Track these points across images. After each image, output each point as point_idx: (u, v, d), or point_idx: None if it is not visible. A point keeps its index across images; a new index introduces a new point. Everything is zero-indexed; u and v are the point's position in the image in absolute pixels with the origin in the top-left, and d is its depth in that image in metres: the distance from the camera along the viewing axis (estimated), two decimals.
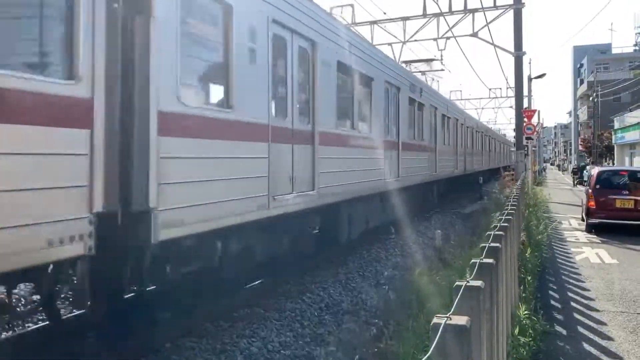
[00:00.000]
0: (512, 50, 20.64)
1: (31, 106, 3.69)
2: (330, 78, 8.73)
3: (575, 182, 36.31)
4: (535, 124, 25.96)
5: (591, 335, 5.84)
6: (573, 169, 45.79)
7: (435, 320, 1.89)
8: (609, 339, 5.74)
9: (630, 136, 39.81)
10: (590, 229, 13.82)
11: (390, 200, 11.96)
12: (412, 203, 13.52)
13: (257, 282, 7.80)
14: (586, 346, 5.52)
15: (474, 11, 20.77)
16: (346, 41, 9.41)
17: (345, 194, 9.25)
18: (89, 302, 5.11)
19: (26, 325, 5.86)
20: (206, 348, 5.57)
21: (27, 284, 6.04)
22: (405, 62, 25.74)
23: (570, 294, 7.61)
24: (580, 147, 62.99)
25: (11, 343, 5.19)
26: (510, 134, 59.03)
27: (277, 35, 7.00)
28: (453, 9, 20.86)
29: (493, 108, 52.33)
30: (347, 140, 9.43)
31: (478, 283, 2.52)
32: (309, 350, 5.79)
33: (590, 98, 52.29)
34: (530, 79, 34.68)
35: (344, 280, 8.59)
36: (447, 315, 1.94)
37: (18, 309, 6.15)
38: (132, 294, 5.89)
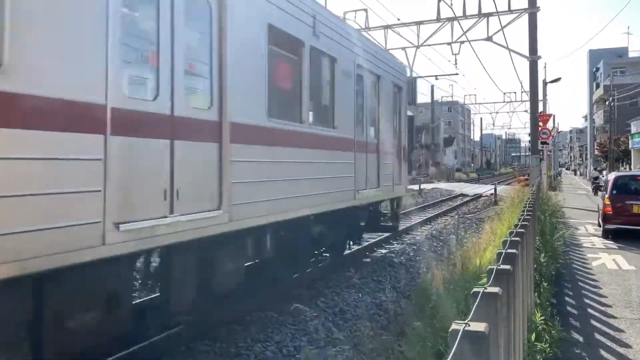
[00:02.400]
0: (527, 54, 20.51)
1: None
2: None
3: (592, 187, 31.26)
4: (550, 129, 25.78)
5: (608, 342, 5.77)
6: (592, 176, 38.35)
7: (453, 326, 1.89)
8: (627, 346, 5.67)
9: None
10: (607, 234, 13.63)
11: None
12: None
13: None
14: (603, 353, 5.47)
15: (488, 15, 20.69)
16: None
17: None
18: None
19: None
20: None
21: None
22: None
23: (586, 300, 7.54)
24: (596, 152, 62.18)
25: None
26: (525, 138, 58.55)
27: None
28: (467, 13, 20.82)
29: (508, 112, 52.15)
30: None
31: (496, 289, 2.52)
32: None
33: (607, 102, 51.71)
34: (545, 83, 34.43)
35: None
36: (466, 321, 1.94)
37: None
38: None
